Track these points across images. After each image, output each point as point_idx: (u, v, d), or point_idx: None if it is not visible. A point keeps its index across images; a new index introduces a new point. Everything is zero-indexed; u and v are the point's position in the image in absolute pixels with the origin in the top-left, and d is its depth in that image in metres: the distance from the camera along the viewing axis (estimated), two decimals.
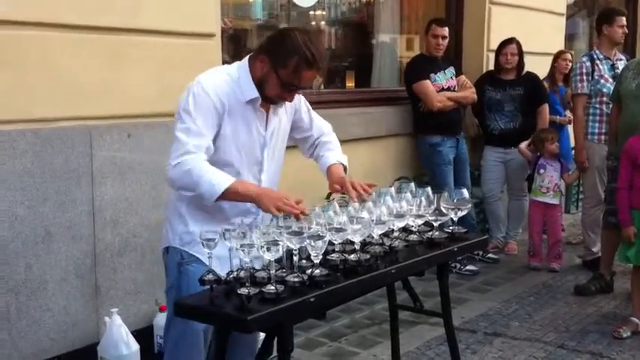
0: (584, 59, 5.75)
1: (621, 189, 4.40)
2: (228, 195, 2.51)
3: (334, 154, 2.96)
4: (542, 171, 5.80)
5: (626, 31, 5.77)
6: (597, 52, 5.79)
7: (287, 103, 2.75)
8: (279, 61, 2.56)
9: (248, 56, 2.71)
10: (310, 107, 3.00)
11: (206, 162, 2.54)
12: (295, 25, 6.15)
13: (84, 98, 3.60)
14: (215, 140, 2.62)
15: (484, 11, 6.63)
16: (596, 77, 5.61)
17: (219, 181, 2.50)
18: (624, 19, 5.76)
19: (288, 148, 2.95)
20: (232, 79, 2.64)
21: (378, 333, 4.35)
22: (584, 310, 4.86)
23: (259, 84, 2.62)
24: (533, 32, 6.85)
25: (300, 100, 2.90)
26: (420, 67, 5.74)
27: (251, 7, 5.99)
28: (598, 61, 5.67)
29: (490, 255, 6.06)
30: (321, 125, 3.04)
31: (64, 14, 3.49)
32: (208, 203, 2.55)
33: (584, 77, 5.63)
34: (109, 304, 3.71)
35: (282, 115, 2.82)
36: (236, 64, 2.71)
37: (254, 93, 2.63)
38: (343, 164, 2.93)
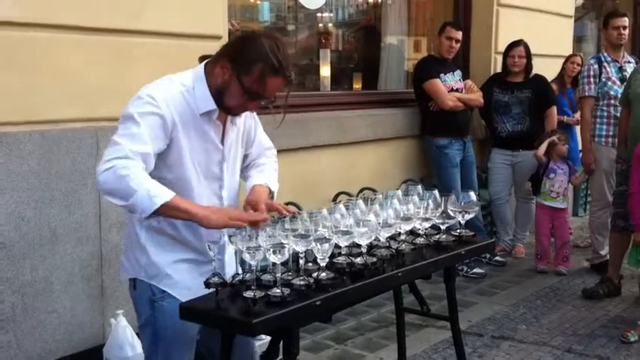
0: (592, 62, 5.73)
1: (634, 193, 4.37)
2: (166, 210, 2.23)
3: (264, 176, 2.68)
4: (552, 175, 5.78)
5: (622, 33, 5.70)
6: (605, 54, 5.77)
7: (239, 117, 2.54)
8: (242, 68, 2.33)
9: (204, 62, 2.46)
10: (259, 122, 2.75)
11: (144, 172, 2.26)
12: (303, 27, 6.17)
13: (90, 99, 3.60)
14: (168, 157, 2.38)
15: (492, 13, 6.62)
16: (604, 80, 5.59)
17: (158, 193, 2.22)
18: (620, 20, 5.71)
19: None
20: (187, 89, 2.40)
21: (384, 336, 4.34)
22: (592, 314, 4.84)
23: (218, 93, 2.39)
24: (541, 34, 6.83)
25: (254, 113, 2.67)
26: (431, 67, 5.73)
27: (258, 9, 5.99)
28: (606, 64, 5.65)
29: (497, 258, 6.04)
30: (263, 144, 2.77)
31: (71, 16, 3.49)
32: (141, 216, 2.26)
33: (592, 80, 5.61)
34: (115, 305, 3.70)
35: (240, 127, 2.60)
36: (191, 72, 2.46)
37: (210, 105, 2.40)
38: (270, 188, 2.64)
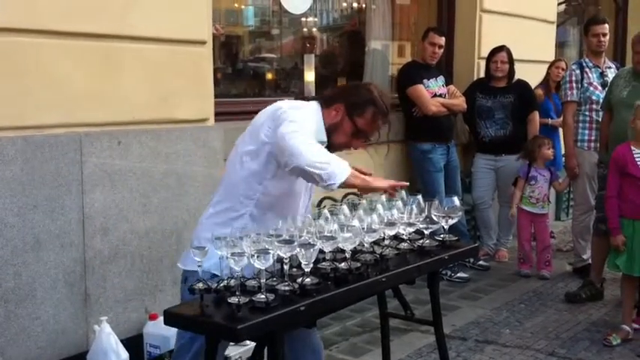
0: (574, 67, 5.79)
1: (610, 197, 4.43)
2: (349, 178, 2.56)
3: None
4: (533, 182, 5.83)
5: (602, 40, 5.76)
6: (586, 60, 5.84)
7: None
8: (357, 110, 2.75)
9: (317, 102, 2.84)
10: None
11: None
12: (288, 32, 6.18)
13: (74, 105, 3.59)
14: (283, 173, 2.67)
15: (475, 19, 6.66)
16: (586, 85, 5.64)
17: (343, 164, 2.57)
18: (600, 27, 5.77)
19: None
20: (316, 119, 2.75)
21: (369, 341, 4.35)
22: (575, 318, 4.88)
23: (329, 130, 2.77)
24: (524, 40, 6.88)
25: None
26: (414, 73, 5.76)
27: (243, 14, 5.99)
28: (587, 69, 5.71)
29: (481, 262, 6.07)
30: None
31: (55, 21, 3.47)
32: (332, 184, 2.52)
33: (574, 85, 5.67)
34: (99, 312, 3.69)
35: None
36: (308, 104, 2.80)
37: (323, 137, 2.76)
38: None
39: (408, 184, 2.84)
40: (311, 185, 2.83)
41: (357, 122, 2.76)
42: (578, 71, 5.69)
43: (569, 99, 5.70)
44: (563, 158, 6.08)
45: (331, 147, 2.76)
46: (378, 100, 2.77)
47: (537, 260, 5.92)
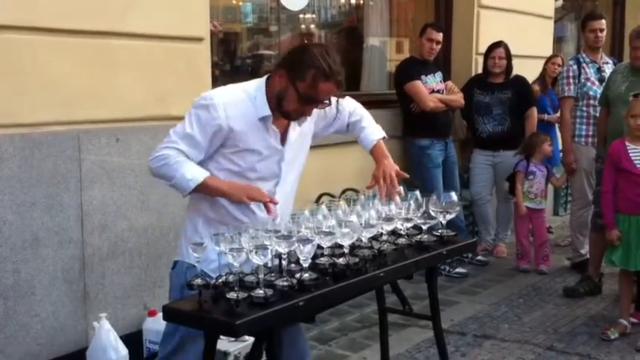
0: (571, 62, 5.80)
1: (605, 192, 4.44)
2: (201, 189, 2.62)
3: (369, 132, 3.05)
4: (531, 177, 5.84)
5: (599, 35, 5.75)
6: (584, 55, 5.84)
7: (302, 121, 2.77)
8: (296, 75, 2.58)
9: (267, 74, 2.74)
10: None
11: (185, 159, 2.61)
12: (286, 28, 6.17)
13: (72, 102, 3.59)
14: (228, 154, 2.67)
15: (473, 15, 6.66)
16: (583, 80, 5.65)
17: (194, 175, 2.59)
18: (597, 23, 5.77)
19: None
20: (248, 96, 2.66)
21: (367, 336, 4.36)
22: (573, 312, 4.89)
23: (277, 99, 2.63)
24: (522, 35, 6.88)
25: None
26: (412, 69, 5.76)
27: (240, 10, 5.99)
28: (584, 65, 5.71)
29: (479, 257, 6.08)
30: (345, 105, 2.98)
31: (52, 18, 3.48)
32: (183, 195, 2.68)
33: (571, 80, 5.67)
34: (98, 308, 3.69)
35: (305, 131, 2.84)
36: (255, 81, 2.74)
37: (266, 111, 2.65)
38: (383, 137, 3.07)
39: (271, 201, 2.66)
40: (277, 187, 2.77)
41: (299, 87, 2.57)
42: (575, 67, 5.70)
43: (566, 94, 5.71)
44: (561, 154, 6.09)
45: (286, 115, 2.67)
46: (319, 60, 2.54)
47: (535, 255, 5.93)
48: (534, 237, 5.96)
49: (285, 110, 2.65)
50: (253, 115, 2.65)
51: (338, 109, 2.89)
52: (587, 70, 5.69)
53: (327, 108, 2.79)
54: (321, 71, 2.55)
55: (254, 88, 2.70)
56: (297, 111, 2.66)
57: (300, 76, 2.57)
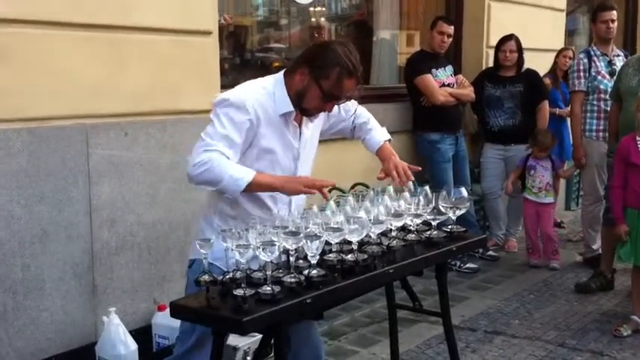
0: (582, 56, 5.73)
1: (615, 187, 4.42)
2: (251, 187, 2.53)
3: (375, 134, 3.03)
4: (532, 172, 5.79)
5: (611, 27, 5.68)
6: (594, 48, 5.77)
7: (315, 117, 2.78)
8: (320, 73, 2.59)
9: (283, 70, 2.72)
10: None
11: (227, 160, 2.53)
12: (296, 21, 6.15)
13: (80, 96, 3.58)
14: (251, 152, 2.63)
15: (484, 7, 6.61)
16: (594, 74, 5.59)
17: (242, 174, 2.51)
18: (608, 14, 5.68)
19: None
20: (267, 92, 2.65)
21: (377, 331, 4.34)
22: (585, 308, 4.85)
23: (297, 97, 2.64)
24: (533, 28, 6.83)
25: None
26: (422, 62, 5.72)
27: (251, 4, 5.97)
28: (595, 58, 5.65)
29: (490, 252, 6.05)
30: (350, 107, 2.98)
31: (61, 12, 3.46)
32: (232, 196, 2.57)
33: (582, 74, 5.61)
34: (107, 303, 3.69)
35: (315, 128, 2.84)
36: (271, 77, 2.72)
37: (288, 107, 2.65)
38: (389, 140, 3.03)
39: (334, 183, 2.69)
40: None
41: (324, 85, 2.59)
42: (585, 60, 5.63)
43: (577, 88, 5.65)
44: (572, 147, 6.03)
45: (305, 112, 2.68)
46: (343, 58, 2.57)
47: (544, 250, 5.89)
48: (540, 231, 5.91)
49: (305, 107, 2.66)
50: (274, 112, 2.64)
51: (345, 109, 2.93)
52: (597, 63, 5.63)
53: (337, 110, 2.84)
54: (345, 69, 2.58)
55: (271, 84, 2.69)
56: (317, 108, 2.69)
57: (324, 74, 2.58)
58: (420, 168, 2.99)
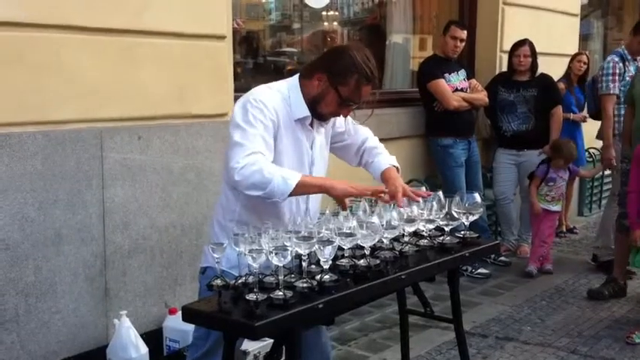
0: (617, 59, 5.67)
1: (631, 192, 4.39)
2: (299, 189, 2.49)
3: (384, 157, 2.94)
4: (551, 183, 5.75)
5: None
6: (625, 52, 5.73)
7: (327, 123, 2.78)
8: (338, 79, 2.58)
9: (298, 75, 2.72)
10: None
11: (270, 162, 2.51)
12: (308, 25, 6.16)
13: (94, 100, 3.60)
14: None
15: (497, 12, 6.59)
16: (628, 78, 5.56)
17: (290, 175, 2.48)
18: None
19: None
20: (283, 96, 2.64)
21: (388, 337, 4.33)
22: (597, 315, 4.82)
23: (313, 101, 2.63)
24: (547, 33, 6.81)
25: None
26: (435, 67, 5.71)
27: (264, 8, 5.99)
28: (627, 62, 5.63)
29: (502, 258, 6.02)
30: (360, 130, 3.00)
31: (75, 16, 3.48)
32: (280, 199, 2.50)
33: (617, 77, 5.58)
34: (119, 306, 3.70)
35: (325, 134, 2.83)
36: (285, 82, 2.71)
37: (304, 111, 2.64)
38: (396, 166, 2.92)
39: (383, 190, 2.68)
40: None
41: (342, 92, 2.59)
42: (621, 64, 5.61)
43: (611, 92, 5.61)
44: (587, 153, 5.99)
45: (320, 116, 2.68)
46: (361, 65, 2.57)
47: (532, 251, 5.85)
48: (538, 232, 5.82)
49: (320, 112, 2.66)
50: (289, 116, 2.63)
51: (354, 128, 2.95)
52: (629, 67, 5.61)
53: (344, 123, 2.89)
54: (363, 76, 2.58)
55: (286, 88, 2.68)
56: (333, 113, 2.70)
57: (342, 80, 2.58)
58: (432, 193, 2.84)
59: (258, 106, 2.55)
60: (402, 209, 2.68)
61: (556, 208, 5.84)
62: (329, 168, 2.91)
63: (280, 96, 2.64)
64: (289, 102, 2.64)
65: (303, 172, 2.64)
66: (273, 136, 2.57)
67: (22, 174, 3.33)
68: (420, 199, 2.76)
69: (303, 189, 2.51)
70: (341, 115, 2.76)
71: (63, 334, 3.55)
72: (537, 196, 5.78)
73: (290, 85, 2.69)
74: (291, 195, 2.48)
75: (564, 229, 7.08)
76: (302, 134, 2.68)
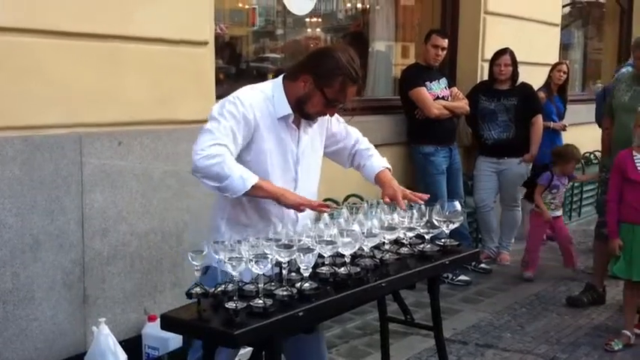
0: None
1: (610, 201, 4.43)
2: (254, 191, 2.53)
3: (376, 160, 3.02)
4: (554, 190, 5.87)
5: None
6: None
7: (314, 122, 2.81)
8: (324, 81, 2.62)
9: (282, 75, 2.76)
10: (339, 117, 3.01)
11: (233, 158, 2.55)
12: (291, 32, 6.16)
13: (74, 105, 3.57)
14: (249, 156, 2.65)
15: (479, 21, 6.63)
16: None
17: (249, 175, 2.51)
18: None
19: None
20: (266, 96, 2.68)
21: (369, 344, 4.32)
22: (576, 322, 4.85)
23: (298, 102, 2.67)
24: (528, 42, 6.85)
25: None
26: (416, 75, 5.73)
27: (247, 14, 5.98)
28: None
29: (483, 265, 6.05)
30: (351, 131, 3.07)
31: (56, 21, 3.46)
32: (231, 196, 2.55)
33: None
34: (97, 313, 3.67)
35: (314, 135, 2.85)
36: (270, 82, 2.77)
37: (287, 109, 2.68)
38: (388, 168, 3.00)
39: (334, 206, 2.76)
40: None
41: (327, 93, 2.63)
42: None
43: None
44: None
45: (307, 116, 2.72)
46: (346, 67, 2.61)
47: (566, 255, 5.98)
48: (559, 239, 6.05)
49: (307, 112, 2.70)
50: (272, 115, 2.67)
51: (346, 130, 3.02)
52: None
53: (336, 125, 2.95)
54: (349, 77, 2.62)
55: (270, 88, 2.72)
56: (319, 113, 2.73)
57: (328, 82, 2.62)
58: (428, 196, 2.92)
59: (235, 102, 2.61)
60: (382, 217, 2.69)
61: (559, 213, 6.01)
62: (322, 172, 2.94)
63: (263, 95, 2.68)
64: (273, 101, 2.68)
65: (287, 171, 2.73)
66: (247, 132, 2.61)
67: None
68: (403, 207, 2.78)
69: (258, 192, 2.54)
70: (327, 115, 2.79)
71: (41, 341, 3.51)
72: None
73: (274, 85, 2.73)
74: (245, 195, 2.53)
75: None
76: (286, 133, 2.71)
